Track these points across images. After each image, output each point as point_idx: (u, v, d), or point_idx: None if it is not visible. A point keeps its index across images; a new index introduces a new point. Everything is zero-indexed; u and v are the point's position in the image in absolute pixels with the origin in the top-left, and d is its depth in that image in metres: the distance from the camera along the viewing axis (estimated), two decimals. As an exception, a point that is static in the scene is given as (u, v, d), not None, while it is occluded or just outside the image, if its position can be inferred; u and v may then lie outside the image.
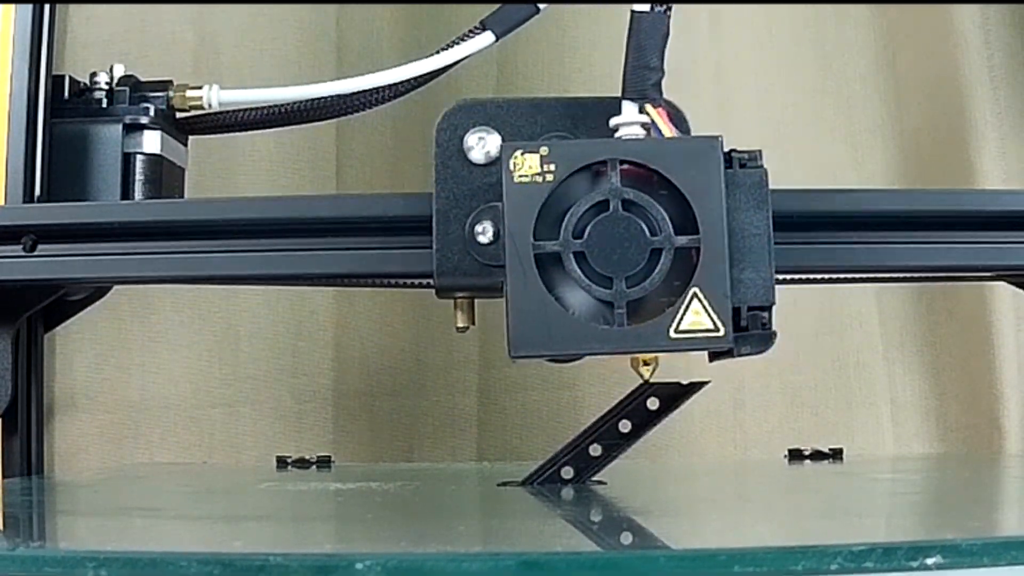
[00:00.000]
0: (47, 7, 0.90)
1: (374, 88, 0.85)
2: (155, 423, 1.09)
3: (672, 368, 0.74)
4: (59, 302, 0.94)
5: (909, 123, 1.14)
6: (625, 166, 0.65)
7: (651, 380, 0.71)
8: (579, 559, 0.47)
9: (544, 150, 0.65)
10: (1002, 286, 1.09)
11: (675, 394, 0.75)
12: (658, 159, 0.65)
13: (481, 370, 1.11)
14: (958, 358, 1.12)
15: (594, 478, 0.76)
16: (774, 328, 0.65)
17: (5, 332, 0.86)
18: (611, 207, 0.64)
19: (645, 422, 0.76)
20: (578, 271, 0.64)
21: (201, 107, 0.90)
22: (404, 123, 1.11)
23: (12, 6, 0.88)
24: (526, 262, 0.64)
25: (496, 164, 0.71)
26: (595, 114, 0.72)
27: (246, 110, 0.90)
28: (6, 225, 0.78)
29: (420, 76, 0.83)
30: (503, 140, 0.72)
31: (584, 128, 0.72)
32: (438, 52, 0.82)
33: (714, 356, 0.70)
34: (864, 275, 0.82)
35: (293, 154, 1.11)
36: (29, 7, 0.89)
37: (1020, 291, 0.90)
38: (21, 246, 0.77)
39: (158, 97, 0.90)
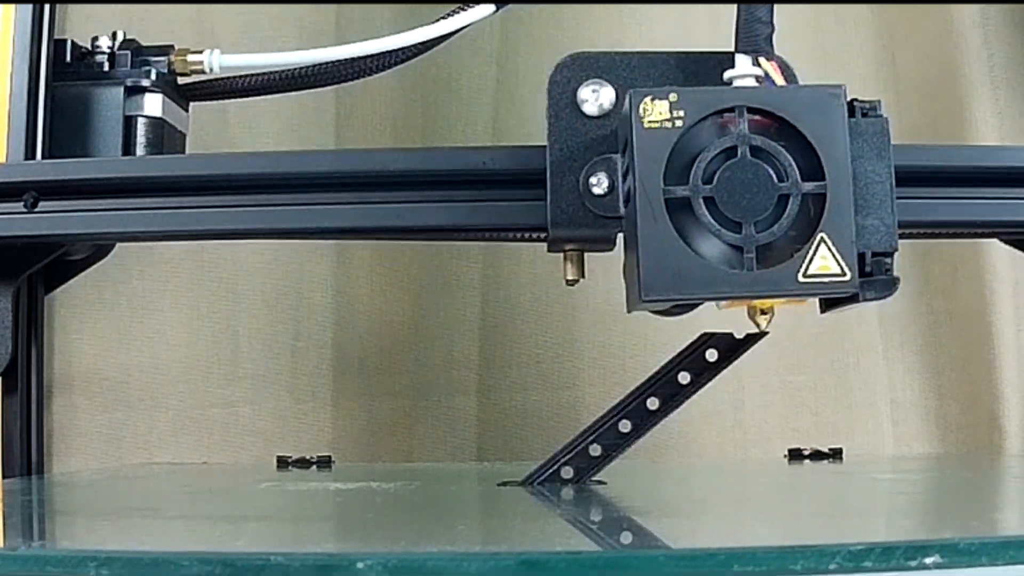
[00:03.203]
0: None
1: (374, 54, 0.85)
2: (154, 423, 1.09)
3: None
4: (59, 263, 0.95)
5: (909, 123, 1.14)
6: (750, 116, 0.65)
7: (765, 329, 0.71)
8: (579, 559, 0.47)
9: (673, 96, 0.65)
10: (1002, 286, 1.09)
11: (734, 344, 0.75)
12: (785, 107, 0.65)
13: (481, 370, 1.11)
14: (958, 358, 1.12)
15: (594, 478, 0.76)
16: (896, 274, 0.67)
17: (6, 290, 0.87)
18: (739, 153, 0.64)
19: (645, 421, 0.76)
20: (708, 216, 0.64)
21: (202, 71, 0.91)
22: (404, 123, 1.11)
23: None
24: (657, 206, 0.64)
25: (609, 117, 0.73)
26: (708, 68, 0.73)
27: (246, 76, 0.90)
28: (7, 182, 0.78)
29: (419, 44, 0.84)
30: (616, 93, 0.72)
31: (696, 82, 0.73)
32: (438, 20, 0.82)
33: (829, 306, 0.70)
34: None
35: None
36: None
37: (1017, 251, 0.90)
38: (22, 203, 0.78)
39: (159, 61, 0.91)
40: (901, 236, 0.86)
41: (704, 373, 0.75)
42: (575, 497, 0.72)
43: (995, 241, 1.09)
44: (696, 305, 0.71)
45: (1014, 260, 1.10)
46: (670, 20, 1.11)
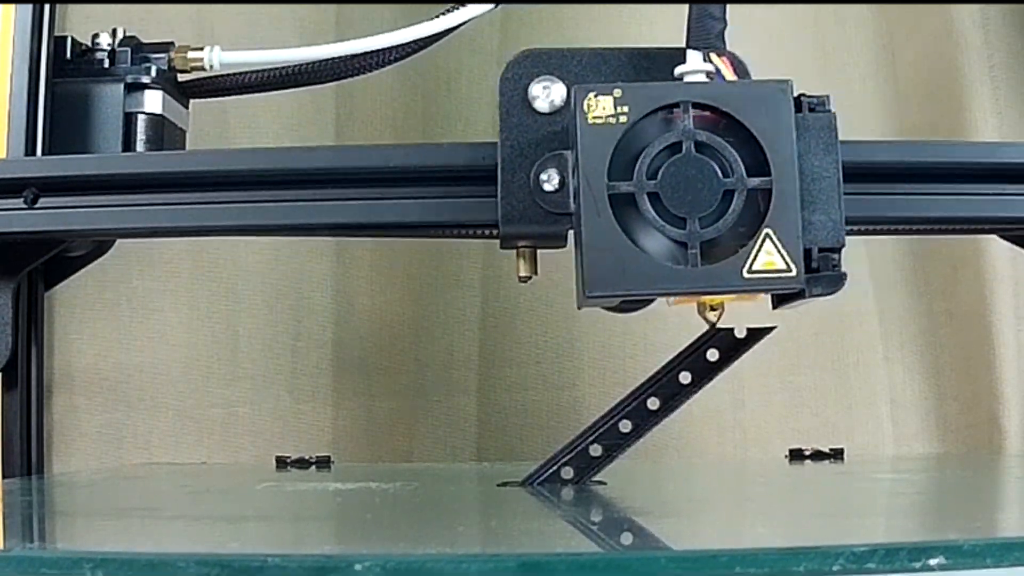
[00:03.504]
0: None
1: (374, 50, 0.85)
2: (154, 423, 1.09)
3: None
4: (59, 259, 0.95)
5: (909, 123, 1.14)
6: (696, 111, 0.65)
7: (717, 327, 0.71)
8: (579, 560, 0.46)
9: (618, 92, 0.65)
10: (1002, 286, 1.09)
11: (735, 343, 0.75)
12: (730, 102, 0.65)
13: (481, 370, 1.11)
14: (958, 358, 1.12)
15: (594, 478, 0.76)
16: (843, 270, 0.66)
17: (6, 286, 0.87)
18: (684, 149, 0.65)
19: (646, 421, 0.75)
20: (652, 212, 0.64)
21: (202, 68, 0.91)
22: (404, 123, 1.11)
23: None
24: (601, 202, 0.64)
25: (560, 113, 0.72)
26: (660, 64, 0.73)
27: (246, 73, 0.90)
28: (8, 178, 0.78)
29: (419, 40, 0.84)
30: (567, 90, 0.72)
31: (648, 78, 0.73)
32: (439, 16, 0.82)
33: (780, 302, 0.70)
34: (860, 226, 0.83)
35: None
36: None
37: (1017, 252, 0.90)
38: (22, 199, 0.78)
39: (159, 58, 0.91)
40: (903, 233, 0.86)
41: (705, 373, 0.75)
42: (575, 497, 0.72)
43: (995, 242, 1.09)
44: (647, 302, 0.71)
45: (1014, 260, 1.10)
46: (670, 20, 1.11)
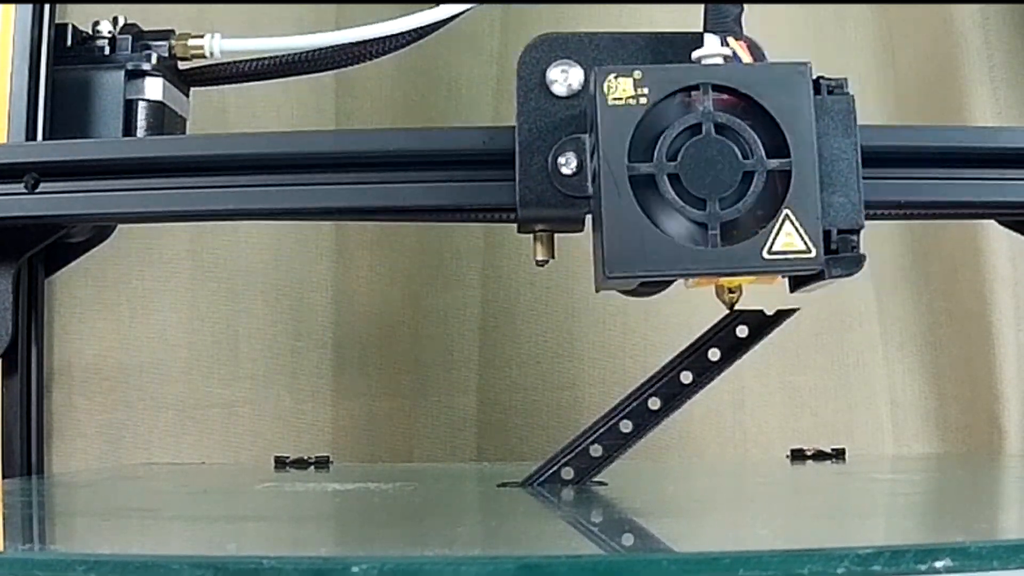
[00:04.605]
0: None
1: (374, 39, 0.85)
2: (154, 423, 1.09)
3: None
4: (60, 245, 0.94)
5: (909, 123, 1.14)
6: (715, 94, 0.65)
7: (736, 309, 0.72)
8: (580, 562, 0.46)
9: (637, 74, 0.65)
10: (1002, 286, 1.09)
11: (735, 344, 0.75)
12: (750, 84, 0.65)
13: (481, 370, 1.11)
14: (958, 358, 1.12)
15: (594, 479, 0.76)
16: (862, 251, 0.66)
17: (6, 272, 0.87)
18: (704, 130, 0.64)
19: (646, 421, 0.75)
20: (672, 193, 0.64)
21: (203, 55, 0.91)
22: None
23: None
24: (621, 183, 0.64)
25: (578, 97, 0.73)
26: (677, 48, 0.73)
27: (247, 61, 0.90)
28: (8, 163, 0.78)
29: (419, 29, 0.84)
30: (585, 74, 0.73)
31: (665, 62, 0.73)
32: (438, 4, 0.82)
33: (797, 284, 0.70)
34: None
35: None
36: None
37: (1017, 252, 0.90)
38: (23, 184, 0.78)
39: (160, 45, 0.90)
40: (901, 217, 0.86)
41: (705, 372, 0.75)
42: (575, 498, 0.72)
43: (995, 241, 1.09)
44: (665, 285, 0.70)
45: (1014, 260, 1.10)
46: (670, 19, 1.11)
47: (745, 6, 0.72)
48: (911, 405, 1.12)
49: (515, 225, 0.76)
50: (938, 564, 0.43)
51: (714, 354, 0.75)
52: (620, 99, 0.65)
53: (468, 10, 0.83)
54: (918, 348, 1.13)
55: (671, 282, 0.69)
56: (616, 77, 0.65)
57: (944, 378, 1.12)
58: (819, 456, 0.97)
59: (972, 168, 0.76)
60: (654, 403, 0.75)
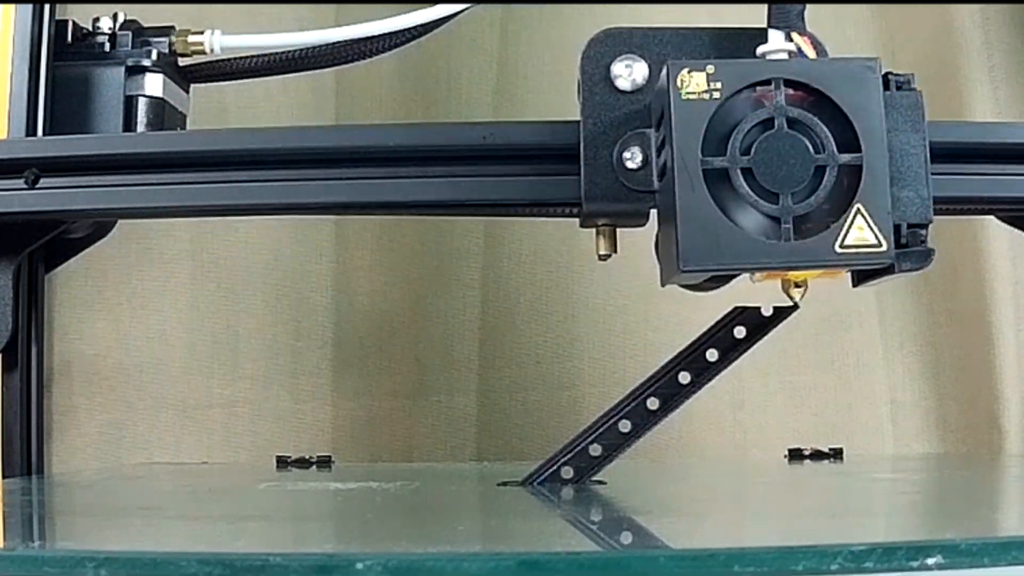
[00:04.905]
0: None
1: (374, 36, 0.86)
2: (155, 422, 1.09)
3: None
4: (60, 241, 0.95)
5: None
6: (786, 89, 0.65)
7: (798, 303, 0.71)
8: (579, 559, 0.47)
9: (711, 68, 0.65)
10: (1002, 286, 1.09)
11: (734, 344, 0.75)
12: (821, 79, 0.65)
13: (481, 370, 1.11)
14: (958, 358, 1.12)
15: (594, 478, 0.76)
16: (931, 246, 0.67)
17: (7, 267, 0.87)
18: (776, 125, 0.65)
19: (645, 421, 0.76)
20: (745, 187, 0.64)
21: (203, 52, 0.91)
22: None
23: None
24: (695, 177, 0.64)
25: (643, 91, 0.73)
26: (741, 43, 0.73)
27: (247, 57, 0.90)
28: (9, 158, 0.78)
29: (418, 26, 0.84)
30: (649, 69, 0.73)
31: (729, 57, 0.72)
32: (439, 2, 0.83)
33: (862, 279, 0.70)
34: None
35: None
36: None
37: (1017, 253, 0.90)
38: (23, 180, 0.78)
39: (160, 41, 0.91)
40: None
41: (704, 372, 0.75)
42: (575, 497, 0.72)
43: (995, 241, 1.09)
44: (730, 279, 0.70)
45: (1014, 260, 1.10)
46: (670, 19, 1.11)
47: (748, 7, 0.72)
48: (911, 405, 1.12)
49: (515, 225, 0.76)
50: (930, 561, 0.44)
51: (712, 354, 0.75)
52: (693, 93, 0.65)
53: (467, 9, 0.84)
54: (918, 348, 1.13)
55: (737, 275, 0.69)
56: (689, 71, 0.65)
57: (944, 378, 1.12)
58: (817, 456, 0.97)
59: (971, 163, 0.76)
60: (653, 403, 0.75)
